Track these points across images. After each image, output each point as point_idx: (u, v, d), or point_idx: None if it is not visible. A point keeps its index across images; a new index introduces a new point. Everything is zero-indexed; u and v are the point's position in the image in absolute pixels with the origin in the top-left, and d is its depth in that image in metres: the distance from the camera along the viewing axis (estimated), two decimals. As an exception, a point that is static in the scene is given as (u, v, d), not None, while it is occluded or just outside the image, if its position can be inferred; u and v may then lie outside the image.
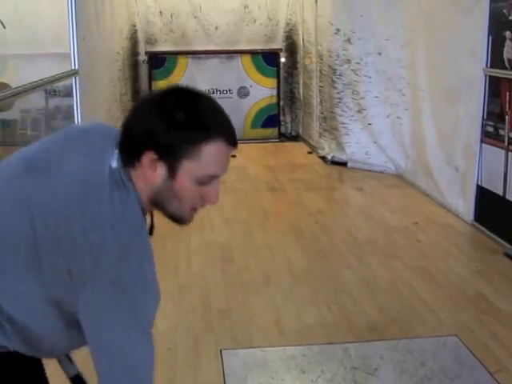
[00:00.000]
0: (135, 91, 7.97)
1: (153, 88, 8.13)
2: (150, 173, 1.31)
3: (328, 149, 7.05)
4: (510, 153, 4.28)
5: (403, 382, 2.81)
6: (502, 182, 4.36)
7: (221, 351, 3.04)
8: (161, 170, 1.31)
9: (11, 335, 1.39)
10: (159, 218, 1.44)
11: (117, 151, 1.33)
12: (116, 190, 1.30)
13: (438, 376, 2.84)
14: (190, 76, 8.19)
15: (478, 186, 4.70)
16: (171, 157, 1.30)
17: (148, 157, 1.30)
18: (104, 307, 1.27)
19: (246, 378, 2.85)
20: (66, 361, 1.66)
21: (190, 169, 1.31)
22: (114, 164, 1.32)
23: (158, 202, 1.36)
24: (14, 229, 1.33)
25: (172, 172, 1.31)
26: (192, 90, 1.35)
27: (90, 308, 1.28)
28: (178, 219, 1.40)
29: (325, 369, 2.90)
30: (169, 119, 1.29)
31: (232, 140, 1.34)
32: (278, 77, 8.36)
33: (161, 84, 8.16)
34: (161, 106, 1.31)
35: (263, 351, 3.05)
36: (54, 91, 5.69)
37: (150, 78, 8.16)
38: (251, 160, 7.01)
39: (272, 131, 8.43)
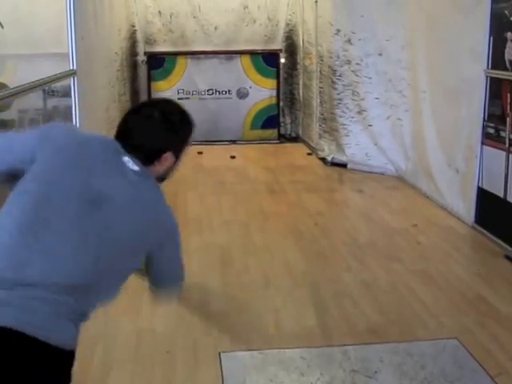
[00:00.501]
0: (134, 91, 7.95)
1: (152, 88, 8.11)
2: (166, 163, 1.88)
3: (328, 150, 7.03)
4: (510, 154, 4.26)
5: (403, 386, 2.79)
6: (503, 184, 4.34)
7: (219, 354, 3.02)
8: (173, 158, 1.90)
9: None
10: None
11: (127, 158, 1.79)
12: (147, 180, 1.84)
13: (438, 379, 2.82)
14: (189, 76, 8.17)
15: (478, 187, 4.68)
16: (180, 149, 1.92)
17: (166, 155, 1.87)
18: (167, 245, 1.89)
19: (245, 380, 2.83)
20: None
21: (185, 150, 1.94)
22: (136, 168, 1.79)
23: (165, 177, 1.94)
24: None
25: (179, 157, 1.93)
26: (170, 100, 2.03)
27: (156, 245, 1.86)
28: (166, 179, 1.97)
29: (324, 371, 2.88)
30: (172, 126, 1.87)
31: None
32: (277, 77, 8.34)
33: (160, 84, 8.14)
34: (164, 116, 1.87)
35: (262, 354, 3.03)
36: (53, 91, 5.66)
37: (149, 79, 8.13)
38: (251, 161, 6.99)
39: (272, 132, 8.40)
